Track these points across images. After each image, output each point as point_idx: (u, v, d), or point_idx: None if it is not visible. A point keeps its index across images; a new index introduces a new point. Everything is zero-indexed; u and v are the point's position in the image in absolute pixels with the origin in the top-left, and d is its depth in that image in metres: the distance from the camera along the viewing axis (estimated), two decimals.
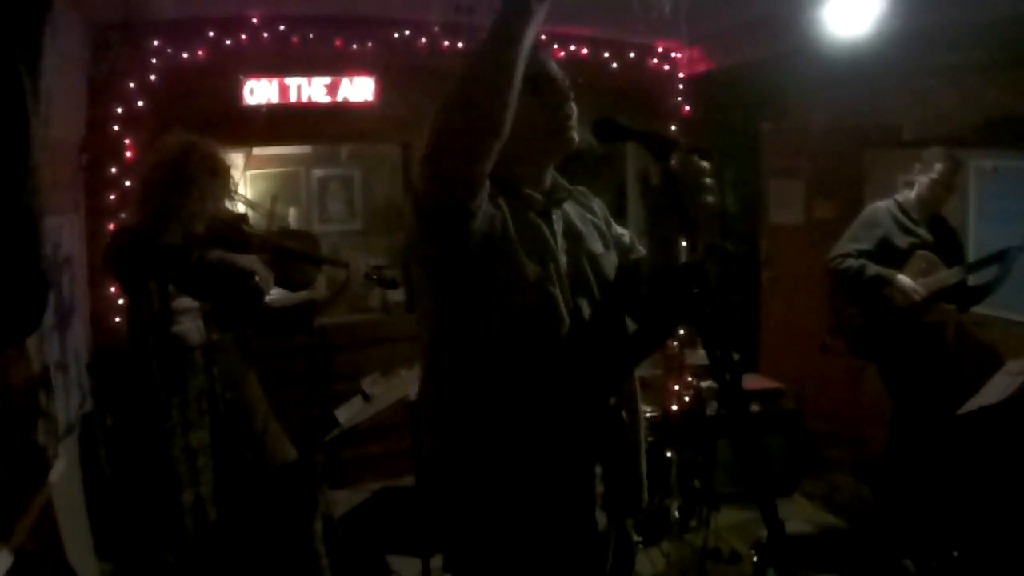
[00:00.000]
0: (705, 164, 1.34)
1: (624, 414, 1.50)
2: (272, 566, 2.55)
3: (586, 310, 1.45)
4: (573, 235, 1.52)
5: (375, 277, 2.67)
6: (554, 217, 1.51)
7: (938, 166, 3.30)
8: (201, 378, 2.33)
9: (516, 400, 1.40)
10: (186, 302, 2.32)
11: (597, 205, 1.66)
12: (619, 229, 1.66)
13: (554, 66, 1.49)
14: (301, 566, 2.60)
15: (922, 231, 3.36)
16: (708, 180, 1.33)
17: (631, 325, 1.54)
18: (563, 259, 1.47)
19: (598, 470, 1.48)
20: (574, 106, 1.47)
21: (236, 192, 2.52)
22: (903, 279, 3.28)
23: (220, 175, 2.38)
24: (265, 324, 2.53)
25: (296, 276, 2.51)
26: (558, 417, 1.41)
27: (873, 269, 3.32)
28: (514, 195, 1.46)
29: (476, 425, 1.42)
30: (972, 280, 3.32)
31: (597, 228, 1.60)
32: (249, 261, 2.33)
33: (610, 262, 1.56)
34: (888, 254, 3.34)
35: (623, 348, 1.52)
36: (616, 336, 1.51)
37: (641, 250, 1.62)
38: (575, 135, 1.48)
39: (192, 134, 2.40)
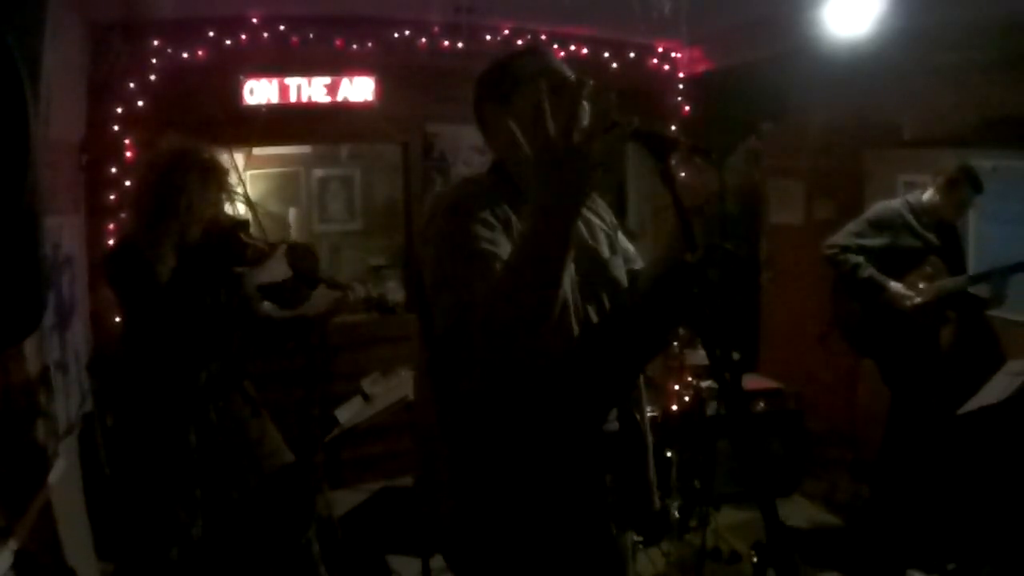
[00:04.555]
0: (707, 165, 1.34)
1: (638, 416, 1.49)
2: (268, 571, 2.54)
3: (595, 316, 1.43)
4: (582, 240, 1.49)
5: (375, 303, 2.65)
6: None
7: (967, 189, 3.23)
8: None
9: (528, 410, 1.38)
10: None
11: (603, 210, 1.64)
12: (625, 240, 1.64)
13: (564, 66, 1.48)
14: (298, 572, 2.59)
15: (931, 235, 3.33)
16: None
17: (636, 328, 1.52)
18: (571, 265, 1.44)
19: (608, 479, 1.46)
20: (586, 105, 1.45)
21: (236, 193, 2.49)
22: (896, 286, 3.26)
23: (213, 181, 2.30)
24: (256, 338, 2.49)
25: (289, 294, 2.45)
26: (570, 426, 1.40)
27: (867, 271, 3.30)
28: (522, 201, 1.39)
29: (489, 437, 1.41)
30: (972, 290, 3.28)
31: (604, 232, 1.58)
32: None
33: (618, 266, 1.54)
34: (895, 255, 3.32)
35: (633, 352, 1.51)
36: (626, 340, 1.48)
37: (640, 263, 1.61)
38: None
39: (185, 139, 2.32)
